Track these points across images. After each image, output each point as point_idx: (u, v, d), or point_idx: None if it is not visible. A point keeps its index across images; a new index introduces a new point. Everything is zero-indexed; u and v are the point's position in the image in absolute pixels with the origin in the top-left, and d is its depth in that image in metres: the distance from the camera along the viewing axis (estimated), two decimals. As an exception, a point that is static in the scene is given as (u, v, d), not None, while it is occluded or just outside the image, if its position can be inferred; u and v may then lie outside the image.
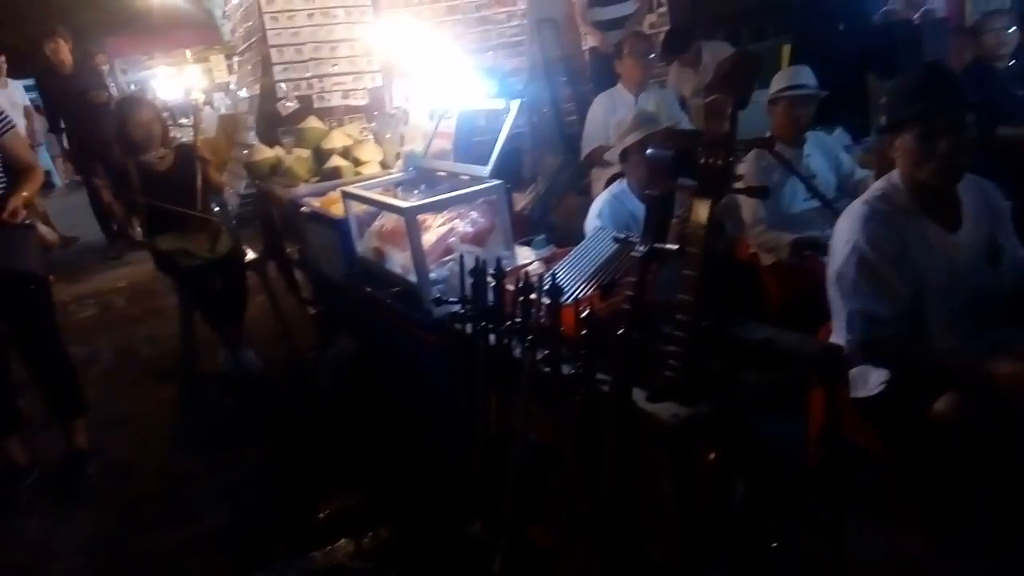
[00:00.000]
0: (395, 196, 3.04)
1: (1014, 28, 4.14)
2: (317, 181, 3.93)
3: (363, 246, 3.02)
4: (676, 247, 1.79)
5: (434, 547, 2.45)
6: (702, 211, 1.68)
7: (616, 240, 2.14)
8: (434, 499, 2.58)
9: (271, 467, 3.17)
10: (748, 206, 3.18)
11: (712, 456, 1.75)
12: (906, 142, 1.99)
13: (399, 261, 2.74)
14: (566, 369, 1.85)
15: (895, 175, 2.13)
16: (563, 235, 3.13)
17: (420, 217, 2.56)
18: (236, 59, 7.32)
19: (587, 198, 4.36)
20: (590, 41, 5.51)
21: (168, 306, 4.94)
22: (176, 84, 13.43)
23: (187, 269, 3.78)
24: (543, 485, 2.07)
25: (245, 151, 4.92)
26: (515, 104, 2.73)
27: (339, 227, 3.20)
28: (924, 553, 2.07)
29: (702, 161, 1.66)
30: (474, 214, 2.66)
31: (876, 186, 2.17)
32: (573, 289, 2.06)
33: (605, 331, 1.79)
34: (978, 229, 2.09)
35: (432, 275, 2.54)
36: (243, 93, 5.84)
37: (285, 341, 4.27)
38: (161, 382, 4.19)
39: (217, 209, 4.03)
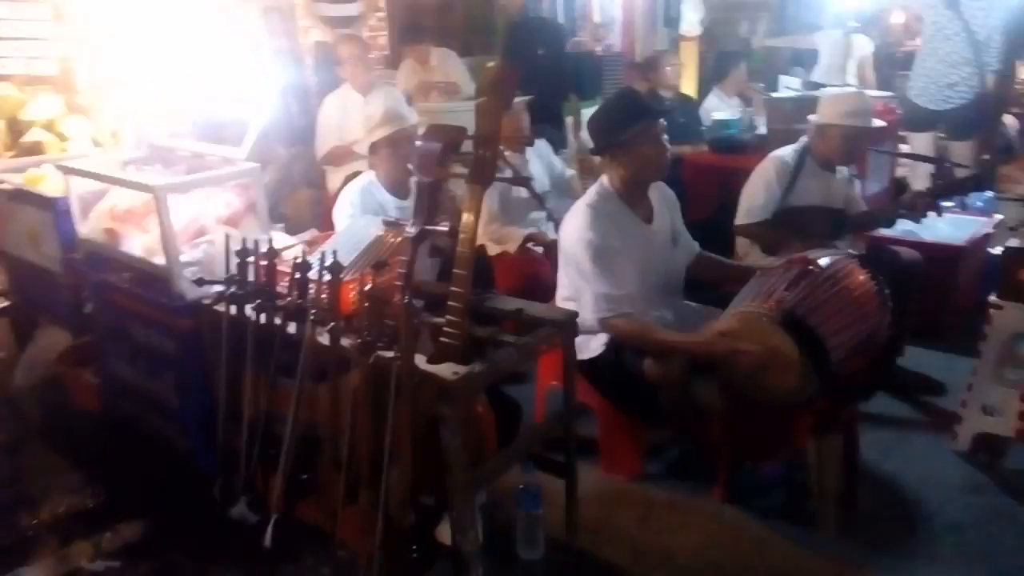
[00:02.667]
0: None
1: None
2: (13, 156, 3.49)
3: (89, 228, 2.80)
4: (447, 227, 2.03)
5: (192, 534, 2.39)
6: (474, 197, 1.93)
7: (386, 223, 2.31)
8: (188, 488, 2.50)
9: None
10: (483, 204, 3.51)
11: (480, 409, 2.02)
12: (626, 154, 2.42)
13: (140, 243, 2.61)
14: (345, 342, 1.99)
15: (604, 181, 2.58)
16: (294, 227, 3.18)
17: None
18: None
19: (320, 193, 4.44)
20: (316, 35, 5.53)
21: None
22: None
23: None
24: (313, 461, 2.17)
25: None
26: (272, 90, 2.75)
27: (54, 207, 2.92)
28: (628, 484, 2.55)
29: (475, 154, 1.91)
30: (228, 196, 2.63)
31: (591, 191, 2.60)
32: (347, 268, 2.18)
33: (385, 304, 1.97)
34: (664, 220, 2.63)
35: (183, 257, 2.47)
36: None
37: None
38: None
39: None
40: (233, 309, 2.25)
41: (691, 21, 7.46)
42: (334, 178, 4.19)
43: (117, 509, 2.55)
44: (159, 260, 2.50)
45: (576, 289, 2.48)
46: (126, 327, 2.71)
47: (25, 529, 2.50)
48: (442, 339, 1.93)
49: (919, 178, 4.70)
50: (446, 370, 1.83)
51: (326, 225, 4.29)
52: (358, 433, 1.97)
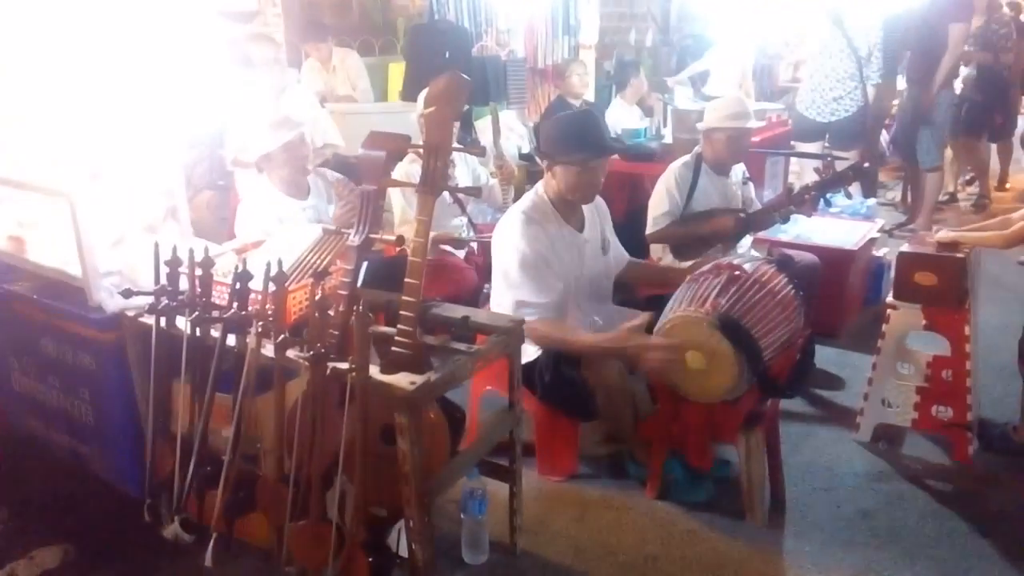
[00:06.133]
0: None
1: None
2: None
3: (-13, 235, 2.60)
4: (395, 235, 2.03)
5: (122, 558, 2.27)
6: (425, 206, 1.94)
7: (325, 231, 2.27)
8: (110, 510, 2.37)
9: None
10: (400, 207, 3.50)
11: (432, 416, 2.03)
12: (568, 173, 2.48)
13: (49, 252, 2.45)
14: (291, 354, 1.95)
15: (540, 188, 2.64)
16: (196, 230, 3.06)
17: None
18: None
19: (229, 195, 4.28)
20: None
21: None
22: None
23: None
24: (251, 476, 2.11)
25: None
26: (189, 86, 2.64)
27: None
28: (564, 484, 2.62)
29: (425, 163, 1.92)
30: (147, 200, 2.51)
31: (525, 198, 2.65)
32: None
33: (336, 316, 1.95)
34: (595, 229, 2.71)
35: (101, 267, 2.34)
36: None
37: None
38: None
39: None
40: (163, 322, 2.16)
41: (589, 30, 7.67)
42: (244, 180, 4.06)
43: (30, 533, 2.38)
44: (73, 269, 2.36)
45: (501, 294, 2.54)
46: (33, 341, 2.53)
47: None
48: (395, 348, 1.93)
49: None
50: (403, 380, 1.83)
51: (232, 229, 4.16)
52: (305, 445, 1.93)
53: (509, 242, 2.51)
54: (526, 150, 5.40)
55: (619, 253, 2.85)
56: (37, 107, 2.91)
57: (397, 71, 6.44)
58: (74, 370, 2.45)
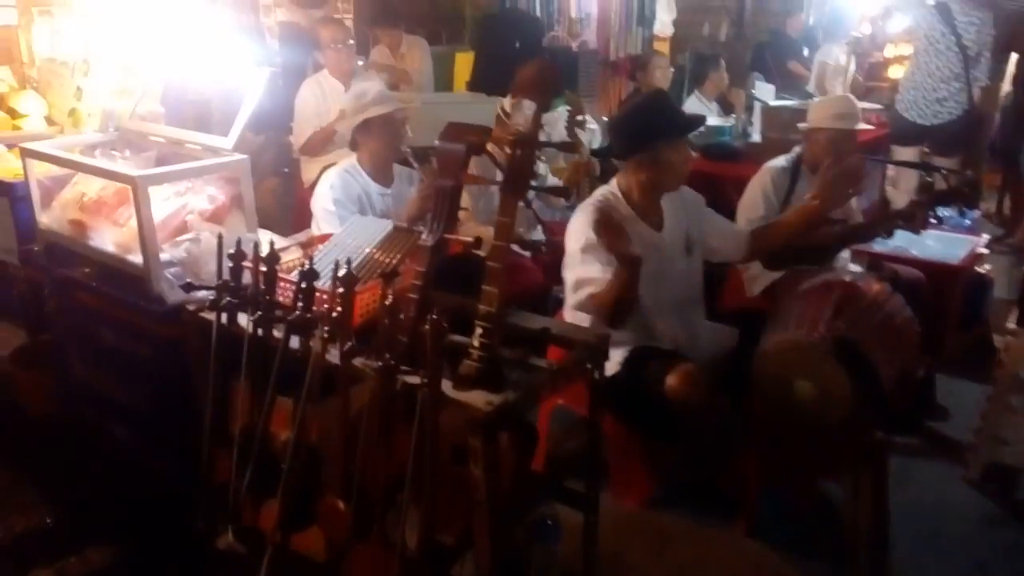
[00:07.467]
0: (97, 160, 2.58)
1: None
2: (-44, 133, 3.16)
3: (51, 217, 2.52)
4: (472, 237, 1.86)
5: (170, 565, 2.16)
6: (507, 205, 1.76)
7: (396, 228, 2.11)
8: (162, 510, 2.26)
9: None
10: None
11: (504, 438, 1.85)
12: (647, 161, 2.28)
13: (111, 238, 2.35)
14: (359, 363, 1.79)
15: (614, 185, 2.44)
16: (260, 218, 2.95)
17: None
18: None
19: (293, 184, 4.19)
20: (280, 14, 5.25)
21: None
22: None
23: None
24: (311, 487, 1.97)
25: None
26: (263, 72, 2.51)
27: (10, 192, 2.64)
28: (641, 511, 2.42)
29: (510, 157, 1.73)
30: (211, 189, 2.39)
31: (598, 193, 2.46)
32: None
33: (405, 321, 1.78)
34: (677, 228, 2.49)
35: (163, 256, 2.23)
36: None
37: None
38: None
39: None
40: (224, 318, 2.02)
41: (664, 21, 7.39)
42: (309, 168, 3.97)
43: (81, 530, 2.30)
44: (134, 258, 2.25)
45: (566, 281, 2.36)
46: (92, 329, 2.45)
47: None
48: (468, 362, 1.75)
49: (901, 194, 4.70)
50: (478, 398, 1.65)
51: (296, 217, 4.07)
52: (368, 461, 1.78)
53: (579, 236, 2.32)
54: (596, 145, 5.17)
55: (725, 237, 2.57)
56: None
57: (464, 61, 6.31)
58: (131, 361, 2.35)
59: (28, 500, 2.43)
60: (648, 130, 2.26)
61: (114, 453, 2.53)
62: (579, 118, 4.42)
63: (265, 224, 2.75)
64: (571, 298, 2.30)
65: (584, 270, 2.27)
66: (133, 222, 2.22)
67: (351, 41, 4.18)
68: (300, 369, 1.90)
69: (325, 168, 3.54)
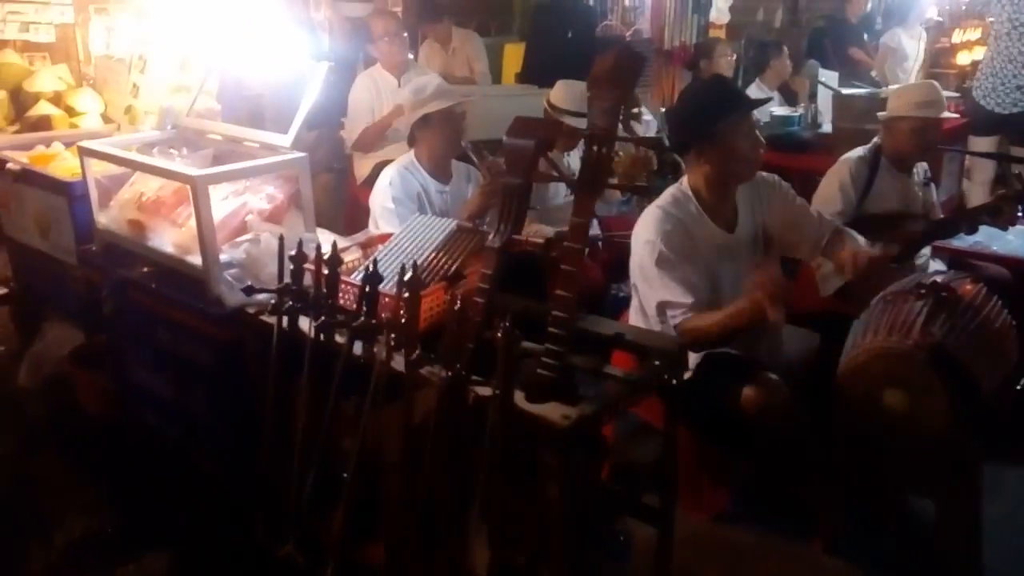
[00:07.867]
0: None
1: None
2: (16, 131, 3.17)
3: (109, 217, 2.49)
4: (541, 240, 1.76)
5: (229, 574, 2.11)
6: (583, 204, 1.66)
7: (460, 227, 2.03)
8: (221, 517, 2.23)
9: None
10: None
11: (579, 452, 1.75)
12: (724, 147, 2.14)
13: (170, 238, 2.31)
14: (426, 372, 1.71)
15: (684, 183, 2.31)
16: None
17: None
18: None
19: (347, 179, 4.15)
20: (326, 9, 5.22)
21: None
22: None
23: None
24: (375, 498, 1.90)
25: None
26: (321, 67, 2.44)
27: (69, 191, 2.62)
28: (713, 525, 2.30)
29: (588, 154, 1.63)
30: (269, 188, 2.34)
31: (667, 192, 2.33)
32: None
33: (471, 327, 1.69)
34: (750, 225, 2.34)
35: (222, 257, 2.18)
36: None
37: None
38: None
39: None
40: (285, 321, 1.97)
41: (720, 8, 7.18)
42: (362, 165, 3.91)
43: (140, 536, 2.27)
44: (194, 259, 2.21)
45: (643, 296, 2.23)
46: (150, 330, 2.42)
47: (34, 556, 2.22)
48: (540, 371, 1.66)
49: (976, 186, 4.48)
50: (554, 412, 1.56)
51: (349, 214, 4.02)
52: (435, 474, 1.70)
53: (646, 239, 2.19)
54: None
55: (803, 232, 2.36)
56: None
57: (513, 53, 6.19)
58: (190, 364, 2.31)
59: (86, 501, 2.42)
60: (706, 113, 2.13)
61: (172, 456, 2.50)
62: (634, 110, 4.30)
63: (318, 222, 2.69)
64: (652, 318, 2.16)
65: (666, 292, 2.12)
66: (192, 222, 2.18)
67: (405, 34, 4.12)
68: (362, 373, 1.84)
69: (378, 164, 3.49)
